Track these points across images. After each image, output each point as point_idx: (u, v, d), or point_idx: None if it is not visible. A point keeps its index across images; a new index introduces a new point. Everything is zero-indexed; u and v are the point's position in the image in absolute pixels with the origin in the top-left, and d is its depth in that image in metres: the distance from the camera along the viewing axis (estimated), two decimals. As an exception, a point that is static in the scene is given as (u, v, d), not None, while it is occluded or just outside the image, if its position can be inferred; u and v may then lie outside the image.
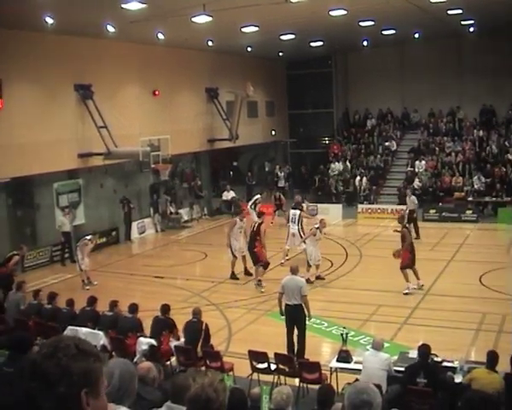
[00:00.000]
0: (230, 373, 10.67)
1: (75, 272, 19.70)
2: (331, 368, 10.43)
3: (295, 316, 12.19)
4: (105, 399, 2.25)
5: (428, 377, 8.94)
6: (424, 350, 9.29)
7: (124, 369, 3.56)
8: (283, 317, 12.44)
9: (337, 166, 32.84)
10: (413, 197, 24.12)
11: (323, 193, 31.69)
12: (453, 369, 9.51)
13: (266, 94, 35.27)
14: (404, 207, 24.48)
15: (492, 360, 8.80)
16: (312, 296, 16.39)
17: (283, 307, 12.36)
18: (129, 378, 3.53)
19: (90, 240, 19.23)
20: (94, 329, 12.01)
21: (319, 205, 29.04)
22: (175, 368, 11.44)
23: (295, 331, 12.29)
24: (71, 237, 22.17)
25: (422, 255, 20.50)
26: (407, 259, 16.48)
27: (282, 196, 28.74)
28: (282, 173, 34.38)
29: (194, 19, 19.71)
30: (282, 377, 10.48)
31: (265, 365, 10.65)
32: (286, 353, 11.41)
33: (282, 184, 33.92)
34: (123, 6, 17.30)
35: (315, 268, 18.26)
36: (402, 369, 9.49)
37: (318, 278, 18.33)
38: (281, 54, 33.24)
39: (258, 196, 25.41)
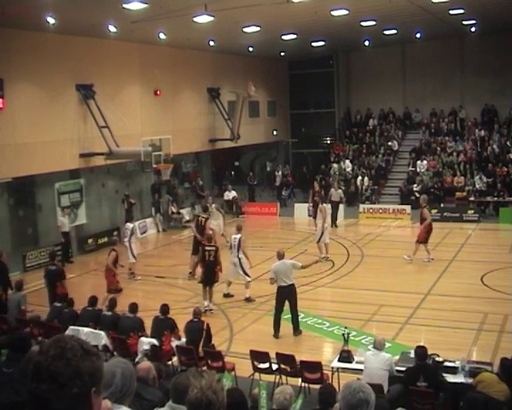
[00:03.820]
0: (232, 373, 10.66)
1: (76, 271, 19.70)
2: (332, 368, 10.42)
3: (289, 294, 13.49)
4: (101, 397, 2.25)
5: (428, 379, 8.92)
6: (421, 352, 9.21)
7: (125, 368, 3.56)
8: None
9: (339, 166, 32.83)
10: (340, 191, 27.47)
11: (325, 193, 31.62)
12: (454, 369, 9.49)
13: (268, 94, 35.28)
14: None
15: (506, 370, 8.62)
16: (314, 296, 16.45)
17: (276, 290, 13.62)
18: (130, 377, 3.53)
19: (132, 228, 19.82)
20: (95, 329, 12.02)
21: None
22: (176, 368, 11.43)
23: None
24: (69, 237, 22.18)
25: (424, 255, 20.52)
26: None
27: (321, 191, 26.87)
28: (280, 172, 34.38)
29: (195, 19, 19.73)
30: (283, 377, 10.48)
31: (267, 365, 10.64)
32: (286, 352, 11.39)
33: (278, 183, 33.96)
34: (124, 6, 17.32)
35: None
36: (403, 369, 9.47)
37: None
38: (282, 54, 33.29)
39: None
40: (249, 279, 16.48)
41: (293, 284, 13.52)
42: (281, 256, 13.80)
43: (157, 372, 6.31)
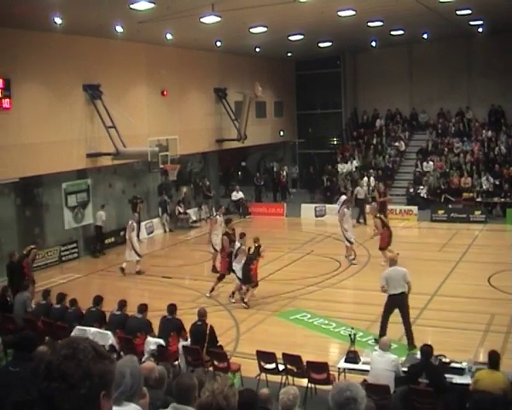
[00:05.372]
0: (238, 373, 10.68)
1: (83, 271, 19.73)
2: (339, 369, 10.42)
3: (400, 303, 12.73)
4: (112, 402, 2.26)
5: (430, 377, 8.91)
6: (426, 350, 9.26)
7: (133, 367, 3.58)
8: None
9: (345, 167, 32.80)
10: (365, 188, 28.30)
11: (332, 193, 31.59)
12: (461, 370, 9.47)
13: (275, 94, 35.28)
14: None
15: (494, 360, 8.68)
16: (321, 297, 16.43)
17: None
18: (138, 375, 3.55)
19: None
20: (100, 329, 12.01)
21: (327, 205, 29.04)
22: (183, 368, 11.44)
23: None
24: (101, 231, 23.08)
25: (431, 256, 20.49)
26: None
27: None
28: (285, 172, 34.38)
29: (202, 19, 19.76)
30: (290, 378, 10.47)
31: (273, 365, 10.64)
32: (293, 353, 11.39)
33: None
34: (131, 6, 17.36)
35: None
36: (408, 369, 9.48)
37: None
38: (289, 54, 33.28)
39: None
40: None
41: (404, 293, 12.74)
42: (393, 263, 13.19)
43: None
